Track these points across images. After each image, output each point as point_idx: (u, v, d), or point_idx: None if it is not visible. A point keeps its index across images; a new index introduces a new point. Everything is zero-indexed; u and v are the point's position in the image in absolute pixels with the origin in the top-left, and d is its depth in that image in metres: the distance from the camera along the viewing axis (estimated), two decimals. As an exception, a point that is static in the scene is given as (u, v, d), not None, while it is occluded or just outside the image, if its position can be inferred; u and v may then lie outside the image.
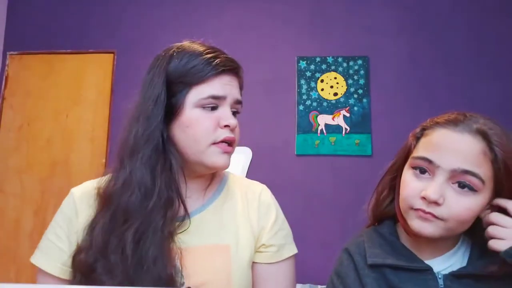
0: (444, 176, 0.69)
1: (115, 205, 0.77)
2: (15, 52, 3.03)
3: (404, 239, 0.80)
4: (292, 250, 0.88)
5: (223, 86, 0.81)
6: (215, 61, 0.81)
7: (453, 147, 0.70)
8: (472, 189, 0.68)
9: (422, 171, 0.72)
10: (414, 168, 0.73)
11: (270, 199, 0.90)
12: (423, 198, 0.69)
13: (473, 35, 2.74)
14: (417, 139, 0.76)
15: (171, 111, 0.80)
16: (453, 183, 0.69)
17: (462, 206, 0.68)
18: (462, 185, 0.69)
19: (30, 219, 2.79)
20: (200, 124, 0.80)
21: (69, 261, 0.78)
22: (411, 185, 0.72)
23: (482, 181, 0.68)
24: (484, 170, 0.68)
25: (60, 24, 3.04)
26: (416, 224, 0.71)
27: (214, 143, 0.80)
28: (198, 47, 0.84)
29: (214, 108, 0.81)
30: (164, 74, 0.81)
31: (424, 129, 0.76)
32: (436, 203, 0.68)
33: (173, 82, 0.81)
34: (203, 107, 0.80)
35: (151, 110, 0.79)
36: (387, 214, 0.83)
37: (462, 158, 0.68)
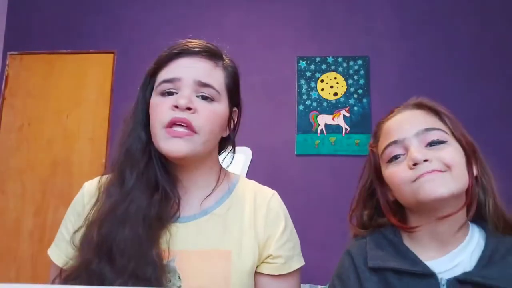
0: (415, 141, 0.74)
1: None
2: (16, 52, 3.03)
3: (408, 239, 0.78)
4: (300, 262, 0.84)
5: (179, 68, 0.78)
6: (175, 47, 0.79)
7: (405, 119, 0.78)
8: (442, 141, 0.74)
9: (397, 157, 0.75)
10: (389, 161, 0.76)
11: (279, 206, 0.86)
12: (414, 164, 0.71)
13: (473, 35, 2.74)
14: (376, 142, 0.82)
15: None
16: (425, 146, 0.74)
17: (447, 153, 0.72)
18: (434, 143, 0.73)
19: (31, 219, 2.79)
20: (156, 109, 0.77)
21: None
22: (398, 171, 0.74)
23: (444, 132, 0.75)
24: (439, 124, 0.76)
25: (60, 24, 3.04)
26: (428, 187, 0.70)
27: (164, 127, 0.75)
28: (179, 41, 0.82)
29: (170, 93, 0.77)
30: (146, 76, 0.83)
31: (375, 133, 0.83)
32: (426, 161, 0.71)
33: (150, 77, 0.82)
34: (161, 94, 0.78)
35: (135, 110, 0.82)
36: (381, 224, 0.83)
37: (417, 123, 0.76)
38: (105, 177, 0.83)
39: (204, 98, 0.77)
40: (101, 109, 2.89)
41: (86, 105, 2.92)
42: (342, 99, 2.75)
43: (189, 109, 0.75)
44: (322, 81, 2.78)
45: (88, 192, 0.84)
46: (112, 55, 2.95)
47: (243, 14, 2.93)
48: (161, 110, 0.76)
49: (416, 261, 0.73)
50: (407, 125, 0.76)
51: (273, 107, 2.78)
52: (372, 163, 0.81)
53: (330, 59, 2.80)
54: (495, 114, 2.60)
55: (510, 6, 2.75)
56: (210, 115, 0.77)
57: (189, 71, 0.77)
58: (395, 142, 0.75)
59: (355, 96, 2.74)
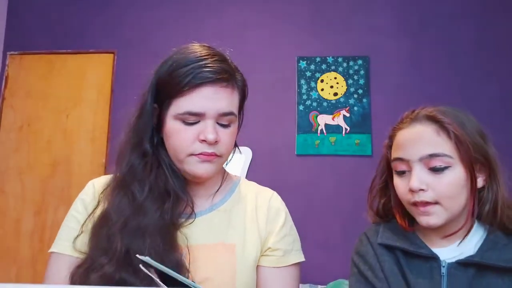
0: (418, 166, 0.78)
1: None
2: (15, 52, 3.03)
3: (418, 231, 0.85)
4: (299, 257, 0.87)
5: (202, 100, 0.77)
6: (196, 72, 0.76)
7: (412, 139, 0.80)
8: (445, 168, 0.76)
9: (402, 172, 0.81)
10: (397, 172, 0.82)
11: (279, 204, 0.91)
12: (411, 191, 0.77)
13: (473, 35, 2.74)
14: (390, 147, 0.86)
15: (160, 118, 0.81)
16: (429, 169, 0.77)
17: (444, 184, 0.76)
18: (436, 169, 0.76)
19: (31, 219, 2.79)
20: (178, 136, 0.78)
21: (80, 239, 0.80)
22: (400, 187, 0.81)
23: (449, 156, 0.76)
24: (446, 146, 0.77)
25: (60, 24, 3.04)
26: (422, 220, 0.78)
27: (192, 155, 0.79)
28: (191, 53, 0.79)
29: (194, 123, 0.78)
30: (154, 79, 0.81)
31: (390, 137, 0.87)
32: (421, 190, 0.76)
33: (160, 90, 0.80)
34: (183, 121, 0.78)
35: (139, 122, 0.81)
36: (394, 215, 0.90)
37: (423, 145, 0.78)
38: (102, 183, 0.85)
39: (224, 125, 0.80)
40: (101, 109, 2.89)
41: (86, 105, 2.92)
42: (342, 99, 2.75)
43: (215, 141, 0.78)
44: (322, 81, 2.78)
45: (99, 190, 0.85)
46: (112, 55, 2.95)
47: (243, 14, 2.93)
48: (186, 139, 0.78)
49: (422, 245, 0.82)
50: (413, 147, 0.78)
51: (273, 107, 2.78)
52: (386, 161, 0.87)
53: (330, 59, 2.80)
54: (496, 114, 2.60)
55: (511, 5, 2.75)
56: (231, 140, 0.82)
57: (213, 104, 0.77)
58: (401, 159, 0.80)
59: (355, 96, 2.74)
